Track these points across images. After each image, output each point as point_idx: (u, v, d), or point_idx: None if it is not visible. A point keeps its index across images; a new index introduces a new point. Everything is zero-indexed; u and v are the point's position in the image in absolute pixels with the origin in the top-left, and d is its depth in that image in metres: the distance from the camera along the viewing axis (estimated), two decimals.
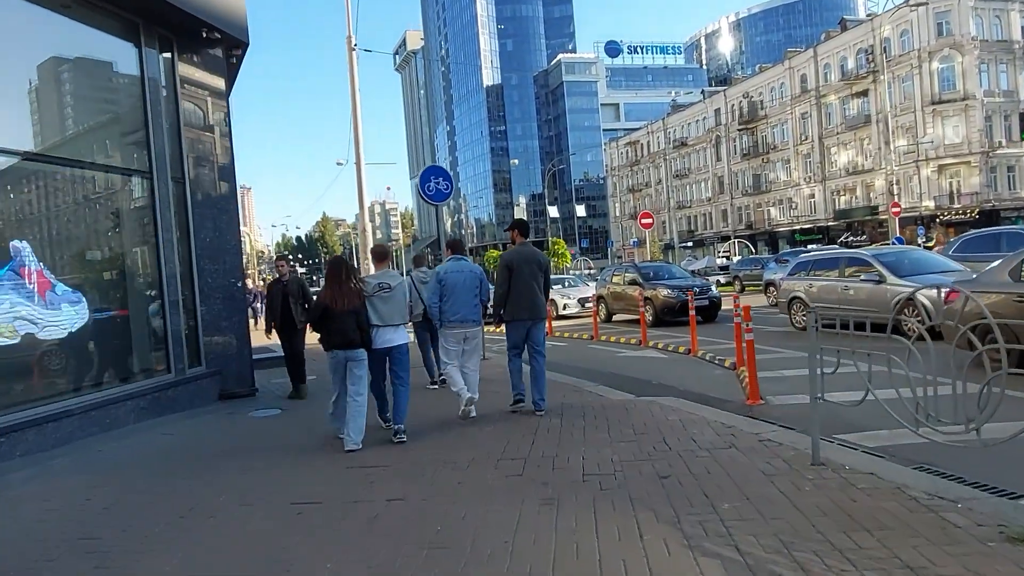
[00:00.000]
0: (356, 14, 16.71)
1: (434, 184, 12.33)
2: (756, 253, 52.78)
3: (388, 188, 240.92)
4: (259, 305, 23.12)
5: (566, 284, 24.34)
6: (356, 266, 11.12)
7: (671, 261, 75.39)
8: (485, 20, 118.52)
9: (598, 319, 18.76)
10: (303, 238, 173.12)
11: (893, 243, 28.36)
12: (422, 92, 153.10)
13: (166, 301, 8.51)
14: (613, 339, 14.89)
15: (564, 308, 22.04)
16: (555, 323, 18.93)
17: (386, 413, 6.93)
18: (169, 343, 8.53)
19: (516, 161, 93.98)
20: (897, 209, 31.82)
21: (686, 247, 76.80)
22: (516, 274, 6.95)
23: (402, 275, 7.40)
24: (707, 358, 10.84)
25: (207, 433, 7.54)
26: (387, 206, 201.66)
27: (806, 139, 61.72)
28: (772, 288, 20.54)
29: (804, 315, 13.33)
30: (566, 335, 16.76)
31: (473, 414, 7.07)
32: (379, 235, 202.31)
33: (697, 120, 78.17)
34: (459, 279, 7.06)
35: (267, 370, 12.78)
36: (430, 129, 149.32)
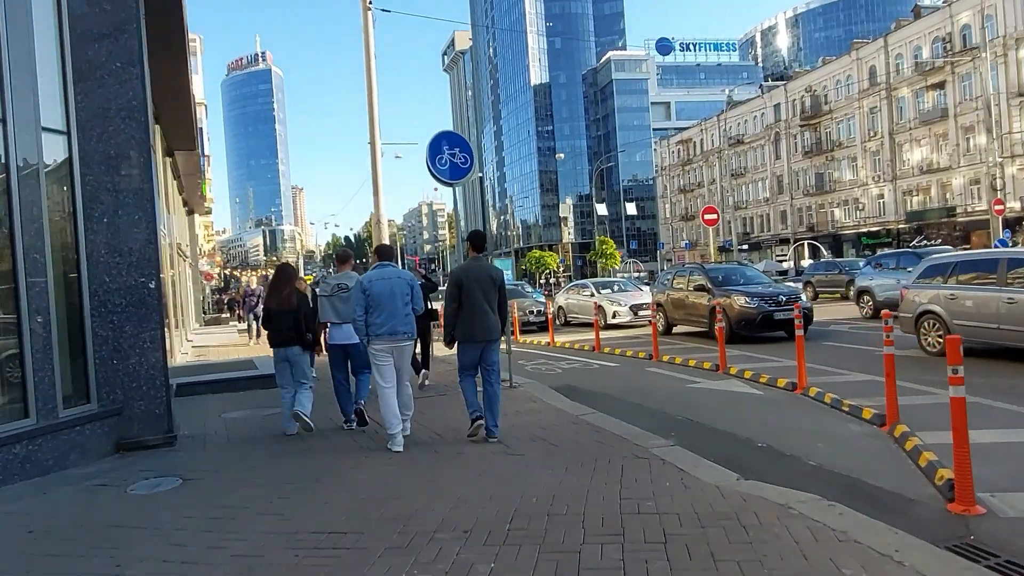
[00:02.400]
0: None
1: (448, 157, 9.32)
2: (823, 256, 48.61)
3: (436, 189, 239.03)
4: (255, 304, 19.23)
5: (616, 288, 21.10)
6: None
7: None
8: (533, 18, 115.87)
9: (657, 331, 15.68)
10: (352, 238, 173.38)
11: (996, 246, 24.36)
12: (469, 93, 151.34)
13: (24, 308, 5.68)
14: (679, 360, 11.62)
15: (614, 316, 18.85)
16: (603, 334, 15.76)
17: (350, 415, 7.24)
18: (28, 372, 5.69)
19: (562, 155, 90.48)
20: (1001, 207, 27.69)
21: (741, 250, 72.50)
22: (466, 291, 6.33)
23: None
24: (827, 401, 7.54)
25: (25, 535, 4.46)
26: (434, 207, 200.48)
27: (875, 135, 57.05)
28: (866, 296, 17.06)
29: (940, 335, 9.99)
30: (616, 351, 13.56)
31: (398, 447, 6.14)
32: (425, 235, 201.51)
33: (755, 116, 73.77)
34: (385, 288, 6.35)
35: (227, 395, 9.97)
36: (477, 130, 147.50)
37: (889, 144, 55.45)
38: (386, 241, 15.06)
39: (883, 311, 7.53)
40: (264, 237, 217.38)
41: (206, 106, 43.19)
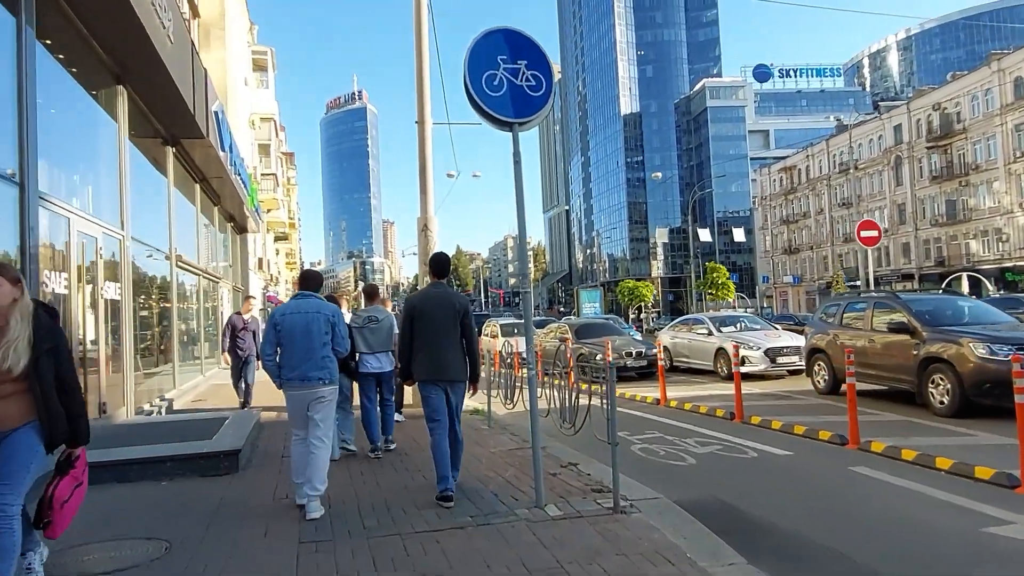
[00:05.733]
0: None
1: (505, 75, 5.07)
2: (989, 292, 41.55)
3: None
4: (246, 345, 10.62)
5: (740, 326, 16.16)
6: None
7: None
8: (624, 47, 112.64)
9: (818, 388, 10.88)
10: None
11: None
12: (557, 127, 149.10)
13: None
14: (909, 454, 6.69)
15: (743, 364, 14.01)
16: (729, 388, 11.04)
17: (377, 444, 7.27)
18: None
19: (659, 175, 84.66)
20: None
21: (853, 286, 65.25)
22: (419, 322, 5.48)
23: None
24: None
25: None
26: None
27: (1021, 156, 49.58)
28: None
29: None
30: (776, 424, 8.69)
31: (314, 515, 4.96)
32: (511, 268, 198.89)
33: (871, 139, 66.79)
34: (299, 322, 5.23)
35: (144, 486, 5.91)
36: (564, 163, 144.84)
37: None
38: (433, 250, 10.94)
39: None
40: (355, 269, 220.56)
41: (275, 121, 40.96)
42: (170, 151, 12.69)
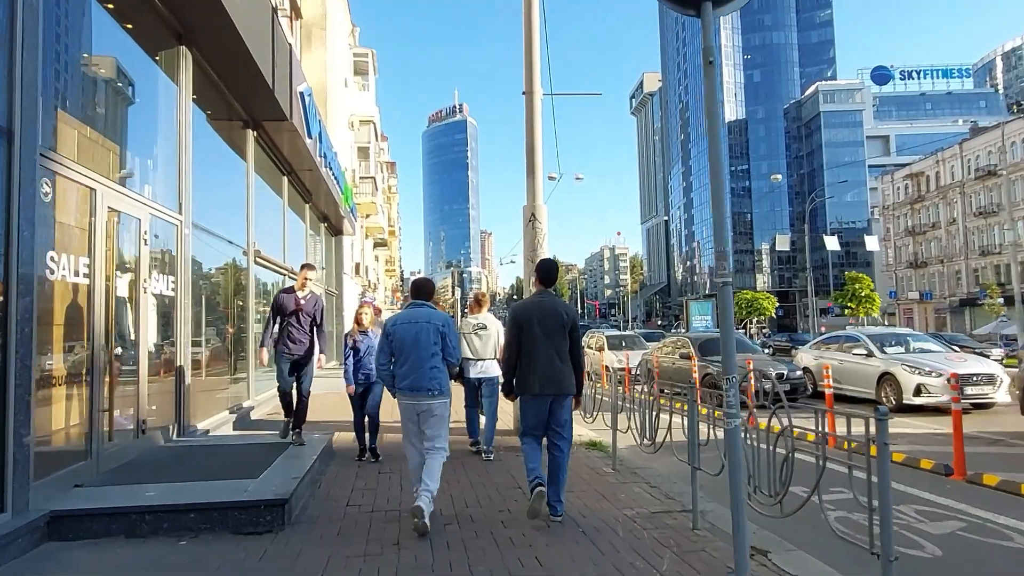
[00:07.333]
0: None
1: None
2: None
3: (619, 233, 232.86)
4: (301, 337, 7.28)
5: (909, 346, 13.33)
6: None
7: (970, 323, 57.96)
8: (730, 51, 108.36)
9: None
10: None
11: None
12: (656, 138, 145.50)
13: None
14: None
15: (918, 393, 11.30)
16: (905, 425, 8.50)
17: (476, 433, 7.75)
18: None
19: (779, 176, 78.68)
20: None
21: (995, 304, 58.78)
22: (527, 333, 5.15)
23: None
24: None
25: None
26: (617, 251, 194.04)
27: None
28: None
29: None
30: None
31: (422, 505, 4.76)
32: (607, 280, 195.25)
33: (1012, 143, 60.34)
34: (410, 332, 5.17)
35: (155, 545, 4.21)
36: (664, 173, 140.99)
37: None
38: (544, 250, 9.02)
39: None
40: (452, 278, 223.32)
41: (375, 125, 40.32)
42: (250, 135, 11.34)
